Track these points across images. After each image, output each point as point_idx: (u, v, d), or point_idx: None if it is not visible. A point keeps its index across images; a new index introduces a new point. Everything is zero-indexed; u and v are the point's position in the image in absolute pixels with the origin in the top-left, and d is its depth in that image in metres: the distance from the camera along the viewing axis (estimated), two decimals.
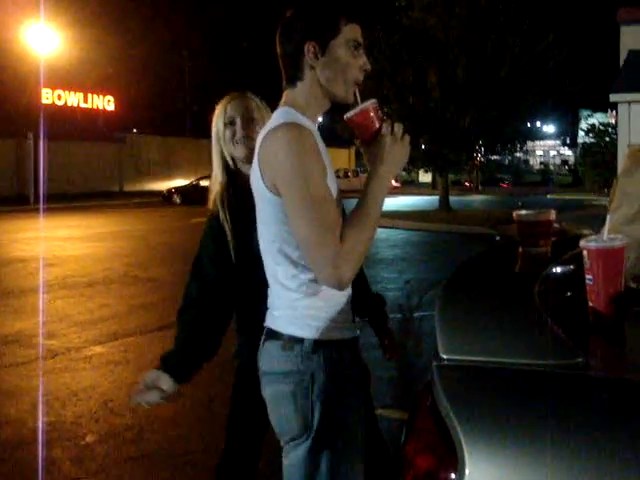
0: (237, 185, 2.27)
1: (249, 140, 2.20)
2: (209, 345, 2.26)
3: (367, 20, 21.17)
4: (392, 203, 29.65)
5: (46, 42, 31.79)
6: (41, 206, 25.27)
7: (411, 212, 22.10)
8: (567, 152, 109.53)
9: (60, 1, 34.25)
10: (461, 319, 1.46)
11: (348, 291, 1.79)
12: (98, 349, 6.08)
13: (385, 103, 21.20)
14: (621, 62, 14.58)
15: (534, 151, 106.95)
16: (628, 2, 15.84)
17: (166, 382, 2.11)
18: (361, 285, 2.45)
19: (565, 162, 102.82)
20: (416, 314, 7.57)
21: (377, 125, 1.70)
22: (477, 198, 36.81)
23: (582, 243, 1.50)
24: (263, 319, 1.85)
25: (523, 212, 1.93)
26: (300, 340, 1.72)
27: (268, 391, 1.80)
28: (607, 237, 1.50)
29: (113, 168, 39.51)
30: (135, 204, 30.19)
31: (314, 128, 1.74)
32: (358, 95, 1.76)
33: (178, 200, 30.18)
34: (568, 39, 21.77)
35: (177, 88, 47.10)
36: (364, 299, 2.44)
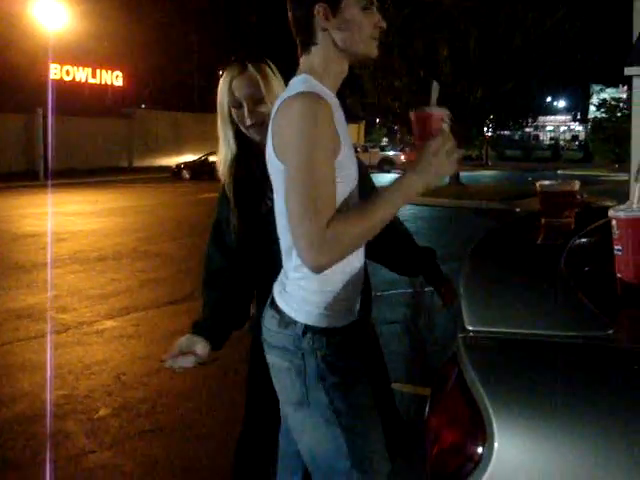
0: (251, 156, 2.21)
1: (259, 124, 2.12)
2: (239, 311, 2.24)
3: None
4: None
5: (54, 17, 31.55)
6: (50, 181, 25.29)
7: None
8: (578, 127, 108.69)
9: None
10: (487, 290, 1.43)
11: (350, 275, 1.74)
12: (110, 323, 6.09)
13: (395, 77, 21.04)
14: (634, 36, 14.34)
15: (544, 126, 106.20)
16: None
17: (202, 346, 2.09)
18: (407, 243, 2.43)
19: (575, 137, 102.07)
20: (427, 288, 7.53)
21: (436, 133, 1.62)
22: (487, 173, 36.59)
23: (611, 212, 1.46)
24: None
25: (546, 182, 1.88)
26: (293, 321, 1.73)
27: (269, 359, 1.83)
28: (637, 206, 1.46)
29: (122, 144, 39.40)
30: (144, 179, 30.14)
31: (333, 99, 1.68)
32: (435, 95, 1.70)
33: (187, 175, 30.13)
34: (580, 12, 21.46)
35: (185, 62, 46.78)
36: (413, 255, 2.41)
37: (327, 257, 1.52)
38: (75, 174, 29.55)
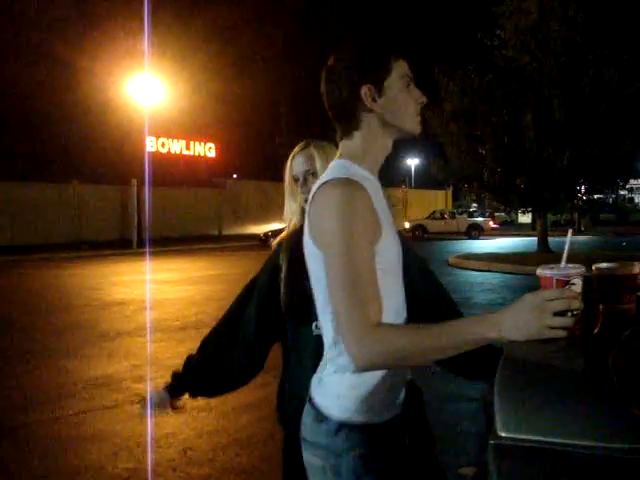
0: None
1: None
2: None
3: (459, 60, 21.02)
4: (489, 245, 28.99)
5: (151, 92, 33.08)
6: (142, 250, 26.16)
7: (508, 254, 21.52)
8: None
9: (164, 53, 35.88)
10: (523, 391, 1.29)
11: (386, 372, 1.61)
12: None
13: (479, 144, 20.88)
14: None
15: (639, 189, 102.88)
16: None
17: None
18: None
19: None
20: None
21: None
22: (578, 239, 35.54)
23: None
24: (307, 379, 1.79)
25: (604, 265, 1.73)
26: (327, 416, 1.62)
27: (304, 457, 1.71)
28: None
29: (213, 213, 40.49)
30: (233, 247, 30.74)
31: (370, 181, 1.61)
32: (567, 247, 1.51)
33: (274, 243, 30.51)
34: None
35: (274, 134, 48.18)
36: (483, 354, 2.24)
37: (370, 356, 1.43)
38: (167, 243, 30.42)
